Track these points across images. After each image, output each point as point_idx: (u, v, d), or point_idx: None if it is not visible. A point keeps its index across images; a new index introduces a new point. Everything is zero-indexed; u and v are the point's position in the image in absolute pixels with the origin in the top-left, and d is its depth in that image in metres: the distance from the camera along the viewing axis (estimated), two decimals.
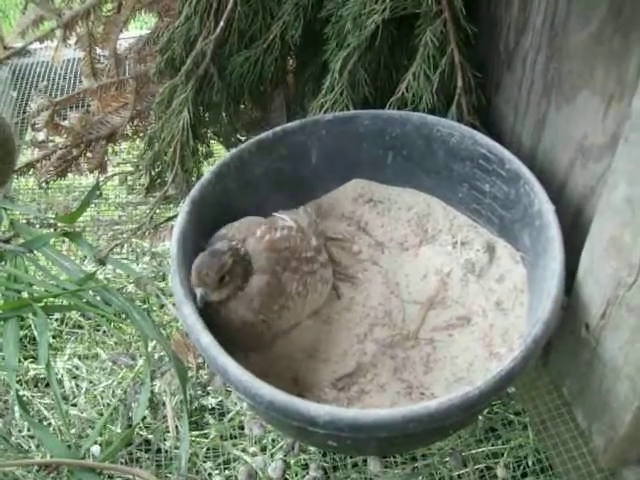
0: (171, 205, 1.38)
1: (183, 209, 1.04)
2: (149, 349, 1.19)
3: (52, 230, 1.43)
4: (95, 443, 1.09)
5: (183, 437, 1.07)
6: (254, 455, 1.08)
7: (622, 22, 0.86)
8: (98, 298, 1.27)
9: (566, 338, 1.01)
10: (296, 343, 1.07)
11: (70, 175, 1.53)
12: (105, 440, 1.11)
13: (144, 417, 1.12)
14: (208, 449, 1.10)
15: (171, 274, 0.97)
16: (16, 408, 1.14)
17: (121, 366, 1.20)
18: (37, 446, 1.11)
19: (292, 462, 1.06)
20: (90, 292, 1.27)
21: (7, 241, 1.37)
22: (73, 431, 1.12)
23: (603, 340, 0.92)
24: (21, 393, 1.16)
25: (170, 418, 1.11)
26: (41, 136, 1.63)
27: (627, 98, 0.88)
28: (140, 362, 1.20)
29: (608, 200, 0.87)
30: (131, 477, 1.05)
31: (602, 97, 0.93)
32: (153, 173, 1.37)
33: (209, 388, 1.16)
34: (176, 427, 1.11)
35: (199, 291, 0.95)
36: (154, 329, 1.19)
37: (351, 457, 1.06)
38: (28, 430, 1.12)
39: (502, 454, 1.06)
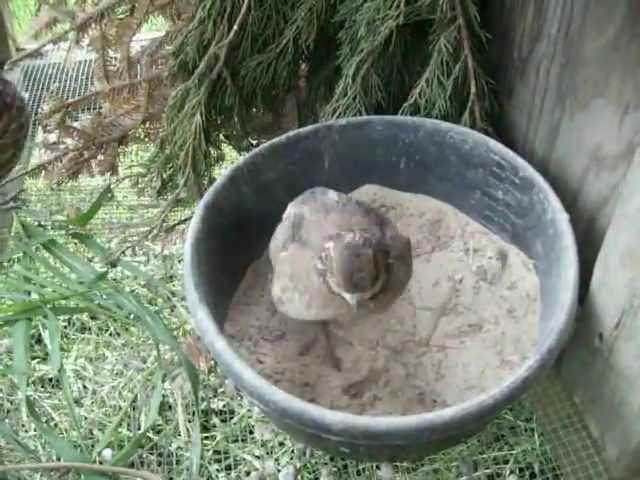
0: (182, 208, 1.38)
1: (197, 213, 1.05)
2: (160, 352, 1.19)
3: (63, 232, 1.44)
4: (106, 447, 1.09)
5: (194, 440, 1.07)
6: (261, 459, 1.07)
7: (639, 30, 0.86)
8: (109, 300, 1.27)
9: (579, 347, 1.01)
10: None
11: (80, 176, 1.53)
12: (112, 443, 1.10)
13: (153, 420, 1.12)
14: (215, 452, 1.09)
15: (184, 278, 0.97)
16: (24, 409, 1.14)
17: (132, 369, 1.20)
18: (44, 447, 1.10)
19: (302, 467, 1.06)
20: (101, 294, 1.28)
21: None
22: (80, 432, 1.11)
23: (617, 350, 0.92)
24: (28, 393, 1.15)
25: (181, 421, 1.11)
26: (53, 138, 1.63)
27: None
28: (149, 365, 1.20)
29: (623, 210, 0.87)
30: None
31: (617, 105, 0.93)
32: (165, 176, 1.37)
33: (220, 391, 1.16)
34: (187, 430, 1.11)
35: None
36: (166, 333, 1.19)
37: (361, 463, 1.06)
38: (35, 431, 1.12)
39: (510, 460, 1.06)
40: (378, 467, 1.06)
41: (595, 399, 1.01)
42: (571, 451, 1.03)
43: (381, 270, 0.89)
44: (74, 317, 1.29)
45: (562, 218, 0.99)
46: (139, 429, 1.11)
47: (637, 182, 0.83)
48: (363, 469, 1.06)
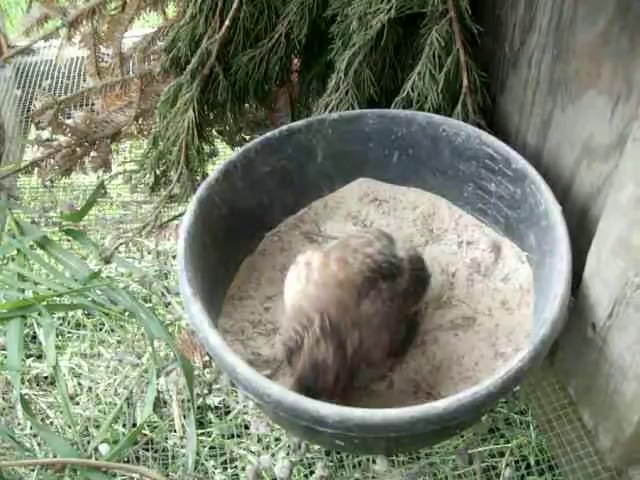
0: (176, 204, 1.38)
1: (190, 208, 1.05)
2: (154, 348, 1.18)
3: (57, 229, 1.43)
4: (102, 442, 1.09)
5: (190, 436, 1.07)
6: (257, 454, 1.07)
7: (630, 20, 0.86)
8: (103, 297, 1.27)
9: (572, 338, 1.01)
10: None
11: (73, 173, 1.53)
12: (109, 439, 1.10)
13: (148, 416, 1.11)
14: (211, 447, 1.09)
15: (178, 273, 0.97)
16: (19, 407, 1.14)
17: (126, 365, 1.20)
18: (40, 444, 1.10)
19: (298, 461, 1.06)
20: (96, 291, 1.27)
21: None
22: (76, 429, 1.11)
23: (610, 340, 0.92)
24: (23, 392, 1.15)
25: (177, 417, 1.11)
26: (45, 135, 1.63)
27: (635, 98, 0.88)
28: (144, 361, 1.20)
29: (615, 200, 0.87)
30: (137, 476, 1.05)
31: (609, 97, 0.93)
32: (158, 172, 1.37)
33: (215, 387, 1.16)
34: (182, 426, 1.11)
35: None
36: (161, 328, 1.19)
37: (357, 456, 1.06)
38: (31, 429, 1.12)
39: (505, 453, 1.06)
40: (374, 461, 1.06)
41: (589, 389, 1.01)
42: (565, 442, 1.03)
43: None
44: (69, 314, 1.29)
45: (555, 210, 0.99)
46: (134, 425, 1.11)
47: (629, 172, 0.83)
48: (359, 462, 1.06)
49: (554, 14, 1.02)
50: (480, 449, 1.06)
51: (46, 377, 1.20)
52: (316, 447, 1.07)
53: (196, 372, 1.17)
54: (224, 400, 1.15)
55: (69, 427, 1.11)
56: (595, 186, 1.01)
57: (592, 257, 0.94)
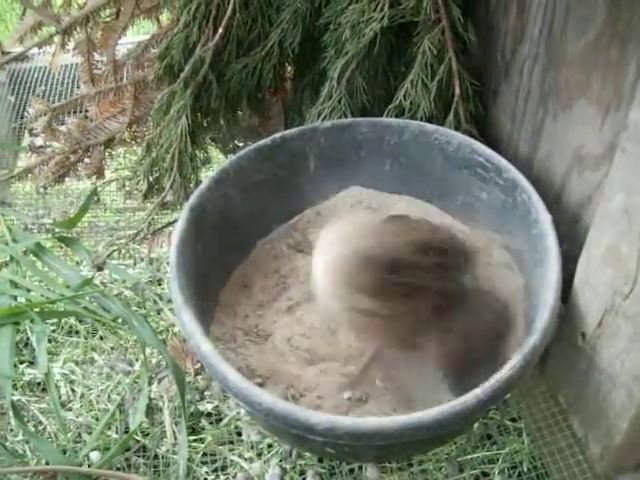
0: (169, 211, 1.38)
1: (182, 215, 1.05)
2: (147, 355, 1.19)
3: (50, 235, 1.43)
4: (93, 449, 1.09)
5: (181, 443, 1.07)
6: (250, 461, 1.07)
7: (619, 31, 0.87)
8: (96, 304, 1.27)
9: (562, 346, 1.02)
10: None
11: (67, 180, 1.53)
12: (100, 445, 1.10)
13: (140, 422, 1.12)
14: (204, 454, 1.09)
15: (170, 280, 0.97)
16: (11, 413, 1.14)
17: (118, 372, 1.20)
18: (32, 451, 1.10)
19: (289, 468, 1.06)
20: (88, 298, 1.27)
21: None
22: (69, 436, 1.11)
23: (600, 348, 0.93)
24: (16, 398, 1.15)
25: (168, 424, 1.11)
26: (39, 141, 1.63)
27: (624, 108, 0.88)
28: (137, 367, 1.20)
29: (605, 210, 0.87)
30: None
31: (599, 106, 0.94)
32: (151, 179, 1.37)
33: (206, 394, 1.16)
34: (173, 433, 1.11)
35: None
36: (153, 336, 1.19)
37: (348, 463, 1.06)
38: (23, 435, 1.12)
39: (497, 460, 1.06)
40: (366, 468, 1.06)
41: (579, 398, 1.02)
42: (555, 450, 1.03)
43: None
44: (62, 320, 1.29)
45: (545, 219, 0.99)
46: (127, 432, 1.11)
47: (618, 182, 0.84)
48: (351, 470, 1.06)
49: (545, 23, 1.03)
50: (472, 456, 1.07)
51: (39, 383, 1.20)
52: (308, 454, 1.07)
53: (188, 379, 1.17)
54: (217, 406, 1.15)
55: (62, 433, 1.11)
56: (586, 195, 1.01)
57: (582, 265, 0.95)
